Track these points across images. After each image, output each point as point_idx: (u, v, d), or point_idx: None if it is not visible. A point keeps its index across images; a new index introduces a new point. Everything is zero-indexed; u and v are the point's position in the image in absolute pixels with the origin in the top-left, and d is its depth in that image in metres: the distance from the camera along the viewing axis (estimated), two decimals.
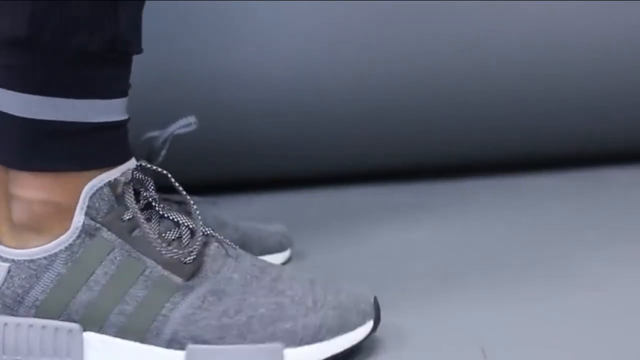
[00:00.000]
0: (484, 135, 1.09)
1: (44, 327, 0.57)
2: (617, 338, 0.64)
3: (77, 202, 0.57)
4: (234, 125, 1.01)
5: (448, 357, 0.62)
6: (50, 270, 0.57)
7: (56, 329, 0.57)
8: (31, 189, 0.57)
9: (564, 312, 0.68)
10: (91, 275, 0.57)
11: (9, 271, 0.57)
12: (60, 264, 0.57)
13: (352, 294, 0.60)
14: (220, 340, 0.56)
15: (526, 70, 1.07)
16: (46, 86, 0.56)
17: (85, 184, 0.57)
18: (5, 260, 0.57)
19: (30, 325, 0.57)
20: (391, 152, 1.08)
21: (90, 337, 0.57)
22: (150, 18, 0.64)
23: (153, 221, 0.59)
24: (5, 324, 0.57)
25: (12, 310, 0.57)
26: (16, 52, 0.55)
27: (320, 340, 0.57)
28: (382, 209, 1.00)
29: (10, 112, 0.56)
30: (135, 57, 0.60)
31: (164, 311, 0.56)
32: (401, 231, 0.91)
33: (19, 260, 0.57)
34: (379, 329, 0.62)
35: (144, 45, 0.61)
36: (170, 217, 0.60)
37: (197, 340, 0.56)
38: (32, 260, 0.57)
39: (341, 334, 0.58)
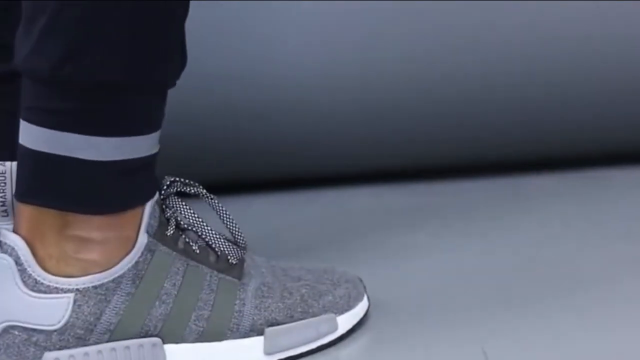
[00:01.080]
0: (484, 135, 1.09)
1: (127, 347, 0.57)
2: (618, 338, 0.63)
3: (139, 226, 0.58)
4: (234, 125, 1.00)
5: (449, 358, 0.62)
6: (119, 292, 0.57)
7: (140, 345, 0.57)
8: (103, 229, 0.57)
9: (565, 312, 0.68)
10: (161, 288, 0.58)
11: (75, 301, 0.56)
12: (127, 283, 0.57)
13: (342, 271, 0.68)
14: (290, 318, 0.62)
15: (526, 70, 1.07)
16: (129, 126, 0.56)
17: (135, 212, 0.58)
18: (67, 291, 0.56)
19: (113, 349, 0.57)
20: (391, 152, 1.08)
21: (171, 348, 0.58)
22: None
23: (187, 231, 0.62)
24: (86, 354, 0.57)
25: (83, 341, 0.57)
26: (100, 96, 0.54)
27: (352, 307, 0.65)
28: (382, 209, 1.00)
29: (81, 156, 0.55)
30: None
31: (236, 308, 0.60)
32: (401, 231, 0.91)
33: (84, 289, 0.56)
34: (380, 331, 0.64)
35: None
36: (196, 227, 0.62)
37: (272, 323, 0.61)
38: (98, 286, 0.57)
39: (359, 301, 0.65)
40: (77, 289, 0.56)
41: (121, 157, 0.56)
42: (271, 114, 1.01)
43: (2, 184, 0.59)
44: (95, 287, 0.56)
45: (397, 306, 0.69)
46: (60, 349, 0.56)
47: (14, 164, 0.60)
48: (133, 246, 0.58)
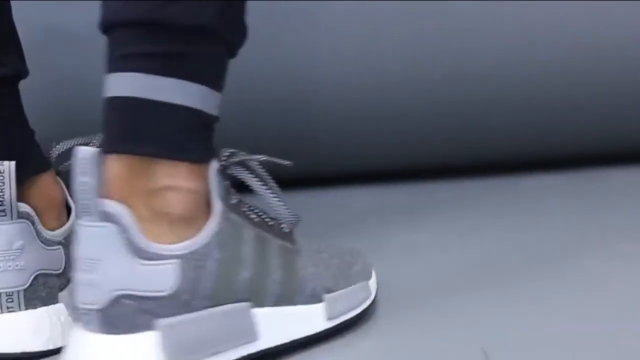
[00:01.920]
0: (484, 135, 1.09)
1: (226, 312, 0.58)
2: (618, 338, 0.63)
3: (210, 189, 0.58)
4: (234, 125, 1.00)
5: (449, 358, 0.62)
6: (210, 258, 0.57)
7: (235, 310, 0.58)
8: (188, 179, 0.57)
9: (565, 311, 0.68)
10: (239, 254, 0.59)
11: (180, 267, 0.56)
12: (215, 250, 0.57)
13: (348, 247, 0.70)
14: (336, 285, 0.64)
15: (526, 71, 1.07)
16: (213, 78, 0.57)
17: (208, 171, 0.59)
18: (171, 257, 0.56)
19: (214, 314, 0.57)
20: (391, 152, 1.08)
21: (256, 312, 0.59)
22: None
23: (243, 202, 0.63)
24: (193, 320, 0.56)
25: (189, 307, 0.56)
26: (195, 41, 0.55)
27: (371, 275, 0.69)
28: (383, 209, 1.00)
29: (174, 101, 0.55)
30: None
31: (300, 273, 0.62)
32: (401, 231, 0.91)
33: (183, 255, 0.56)
34: (380, 331, 0.64)
35: None
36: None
37: (328, 290, 0.63)
38: (194, 252, 0.57)
39: (372, 268, 0.69)
40: (179, 255, 0.56)
41: (203, 107, 0.57)
42: (271, 114, 1.01)
43: (1, 183, 0.59)
44: (192, 253, 0.56)
45: (397, 305, 0.69)
46: (169, 315, 0.56)
47: (12, 163, 0.60)
48: (210, 212, 0.58)
